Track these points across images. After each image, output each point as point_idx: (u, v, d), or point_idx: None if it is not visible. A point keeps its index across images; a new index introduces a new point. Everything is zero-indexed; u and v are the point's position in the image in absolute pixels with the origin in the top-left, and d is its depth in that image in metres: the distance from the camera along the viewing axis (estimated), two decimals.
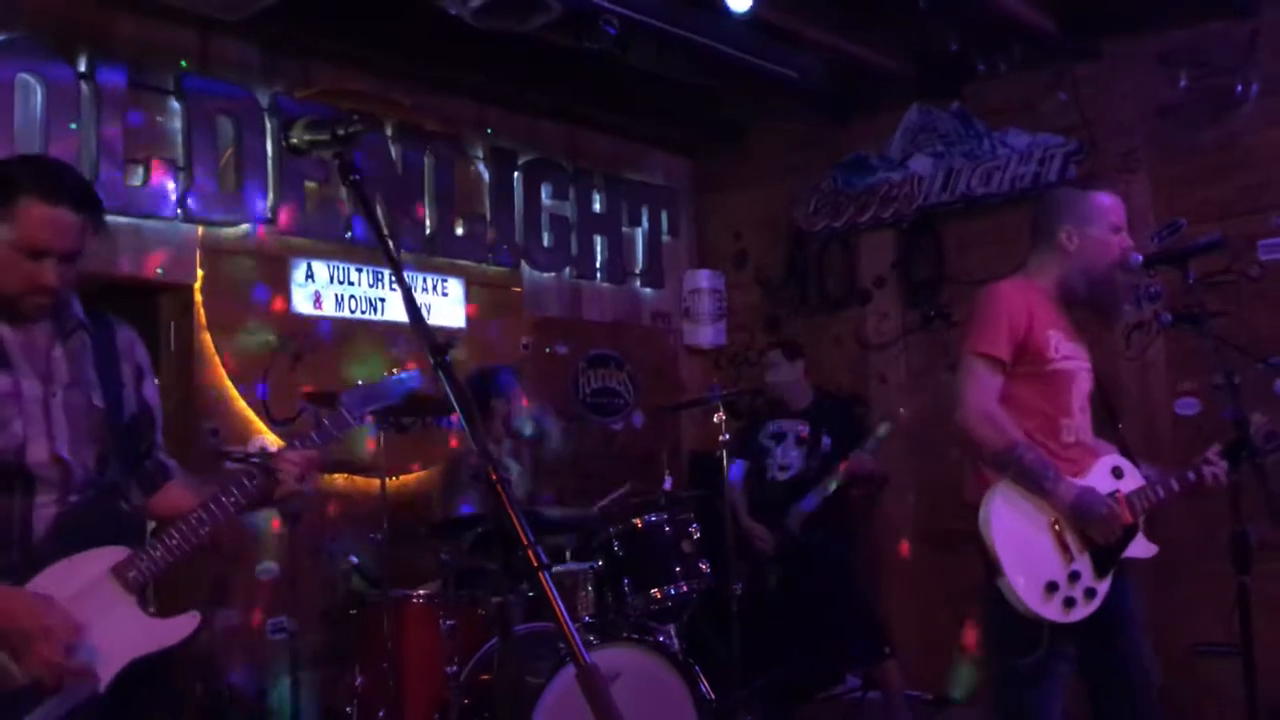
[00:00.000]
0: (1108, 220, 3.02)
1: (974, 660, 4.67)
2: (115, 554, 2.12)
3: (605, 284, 6.27)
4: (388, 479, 4.12)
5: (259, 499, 2.25)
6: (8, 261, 2.09)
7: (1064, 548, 2.81)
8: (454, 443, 5.15)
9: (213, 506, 2.19)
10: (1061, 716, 2.87)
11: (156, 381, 2.42)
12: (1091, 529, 2.81)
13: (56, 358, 2.18)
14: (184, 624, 2.16)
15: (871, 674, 5.12)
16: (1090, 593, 2.82)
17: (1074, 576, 2.80)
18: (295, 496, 2.27)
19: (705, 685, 3.81)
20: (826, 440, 5.08)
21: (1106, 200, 3.09)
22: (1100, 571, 2.84)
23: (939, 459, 5.46)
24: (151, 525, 2.34)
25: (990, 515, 2.81)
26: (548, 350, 5.91)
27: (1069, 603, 2.79)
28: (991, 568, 2.79)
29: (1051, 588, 2.77)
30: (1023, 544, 2.79)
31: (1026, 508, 2.83)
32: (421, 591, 4.03)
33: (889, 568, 5.87)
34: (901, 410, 5.18)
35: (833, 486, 4.91)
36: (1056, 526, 2.82)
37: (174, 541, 2.15)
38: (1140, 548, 2.95)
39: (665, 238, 6.61)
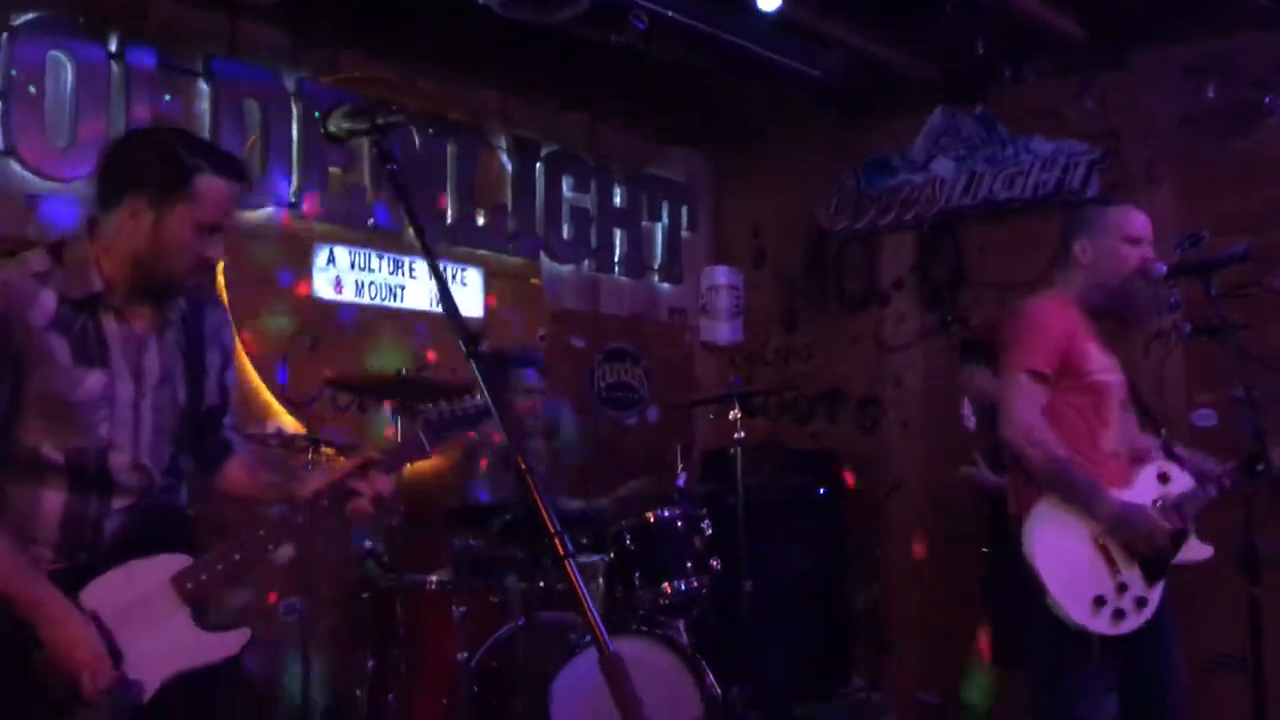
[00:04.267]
0: (1121, 232, 3.03)
1: (987, 666, 4.65)
2: (177, 562, 2.11)
3: (624, 278, 6.28)
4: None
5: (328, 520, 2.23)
6: (184, 240, 2.10)
7: (1109, 561, 2.81)
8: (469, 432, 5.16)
9: (281, 528, 2.18)
10: None
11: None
12: (1135, 542, 2.82)
13: (150, 352, 2.17)
14: (233, 640, 2.15)
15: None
16: (1141, 601, 2.83)
17: (1122, 588, 2.80)
18: (364, 519, 2.25)
19: (712, 679, 3.82)
20: None
21: (1121, 212, 3.11)
22: (1151, 579, 2.84)
23: (948, 461, 5.46)
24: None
25: (1031, 536, 2.82)
26: (570, 342, 5.94)
27: (1118, 614, 2.79)
28: (1038, 588, 2.79)
29: (1099, 602, 2.77)
30: (1066, 561, 2.80)
31: (1068, 524, 2.83)
32: (434, 578, 4.05)
33: (897, 569, 5.88)
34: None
35: None
36: (1100, 541, 2.82)
37: (237, 558, 2.14)
38: (1195, 551, 2.96)
39: (685, 233, 6.61)
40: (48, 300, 2.05)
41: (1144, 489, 2.95)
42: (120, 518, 2.11)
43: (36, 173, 4.08)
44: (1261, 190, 4.92)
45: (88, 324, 2.09)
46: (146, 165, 2.10)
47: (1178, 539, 2.91)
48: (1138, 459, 3.03)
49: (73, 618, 1.99)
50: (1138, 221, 3.06)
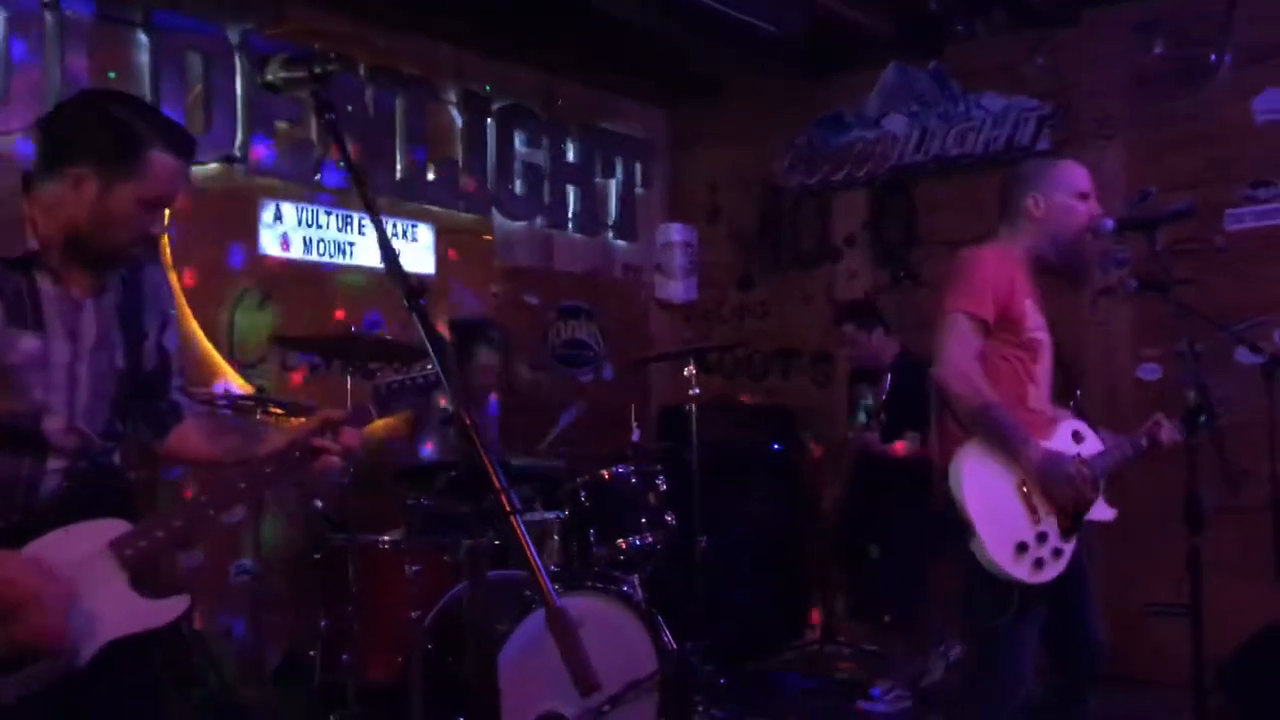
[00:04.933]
0: (1073, 187, 3.04)
1: None
2: (115, 527, 2.05)
3: (577, 234, 6.25)
4: None
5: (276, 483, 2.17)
6: (128, 215, 2.03)
7: (1031, 509, 2.85)
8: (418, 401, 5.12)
9: (223, 493, 2.13)
10: (1033, 672, 2.92)
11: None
12: (1057, 490, 2.85)
13: (87, 315, 2.10)
14: (171, 607, 2.10)
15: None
16: (1058, 553, 2.87)
17: (1042, 537, 2.84)
18: (332, 474, 2.20)
19: (667, 635, 3.85)
20: None
21: (1072, 168, 3.12)
22: (1065, 533, 2.89)
23: None
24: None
25: (960, 476, 2.83)
26: (523, 299, 5.90)
27: (1038, 563, 2.83)
28: (964, 529, 2.82)
29: (1021, 548, 2.81)
30: (992, 504, 2.82)
31: (995, 468, 2.85)
32: (387, 537, 4.04)
33: None
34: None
35: None
36: (1024, 488, 2.85)
37: (177, 524, 2.10)
38: (1100, 511, 3.01)
39: (639, 190, 6.58)
40: None
41: (1060, 444, 2.98)
42: (57, 479, 2.05)
43: None
44: (1208, 148, 4.98)
45: (21, 284, 2.02)
46: (96, 135, 2.03)
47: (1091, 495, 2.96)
48: (1053, 420, 3.06)
49: (6, 557, 1.94)
50: (1085, 177, 3.08)
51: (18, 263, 2.02)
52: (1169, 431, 3.07)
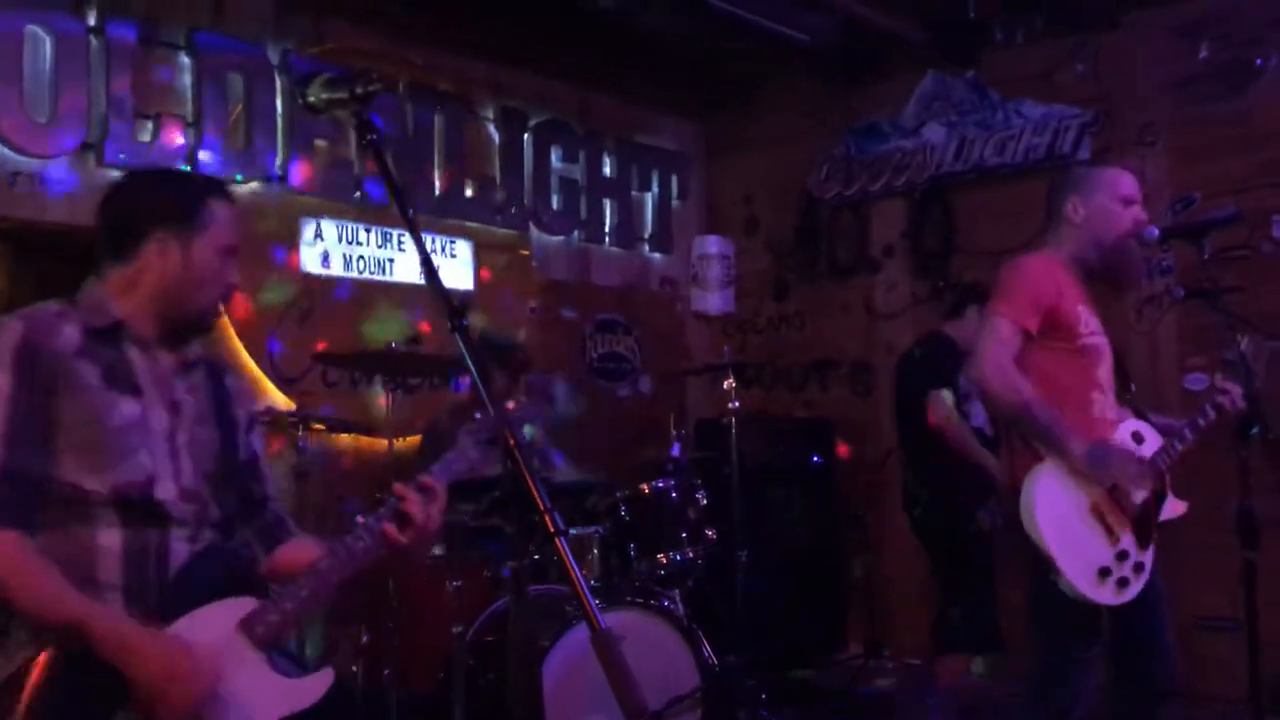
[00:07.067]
0: (1114, 191, 3.01)
1: None
2: (243, 606, 1.98)
3: (614, 248, 6.25)
4: (395, 439, 4.12)
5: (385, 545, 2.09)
6: (215, 267, 2.08)
7: (1108, 529, 2.79)
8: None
9: (340, 553, 2.06)
10: (1096, 692, 2.86)
11: None
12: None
13: (180, 389, 2.11)
14: (317, 683, 2.01)
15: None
16: (1139, 567, 2.81)
17: (1122, 556, 2.78)
18: (423, 541, 2.13)
19: (709, 650, 3.82)
20: None
21: (1112, 173, 3.10)
22: (1143, 543, 2.83)
23: None
24: None
25: (1034, 509, 2.76)
26: (561, 314, 5.92)
27: (1122, 583, 2.77)
28: (1043, 564, 2.74)
29: (1104, 573, 2.75)
30: (1070, 534, 2.75)
31: (1067, 493, 2.78)
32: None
33: (892, 535, 5.89)
34: None
35: None
36: (1097, 509, 2.79)
37: (304, 593, 2.02)
38: (1171, 508, 2.95)
39: (675, 202, 6.58)
40: (72, 331, 2.01)
41: None
42: (184, 556, 2.01)
43: (16, 149, 4.03)
44: (1254, 153, 4.90)
45: (114, 354, 2.04)
46: (163, 201, 2.10)
47: (1160, 497, 2.91)
48: (1115, 424, 3.00)
49: (144, 633, 1.87)
50: (1129, 182, 3.04)
51: (107, 333, 2.05)
52: (1234, 397, 2.99)
